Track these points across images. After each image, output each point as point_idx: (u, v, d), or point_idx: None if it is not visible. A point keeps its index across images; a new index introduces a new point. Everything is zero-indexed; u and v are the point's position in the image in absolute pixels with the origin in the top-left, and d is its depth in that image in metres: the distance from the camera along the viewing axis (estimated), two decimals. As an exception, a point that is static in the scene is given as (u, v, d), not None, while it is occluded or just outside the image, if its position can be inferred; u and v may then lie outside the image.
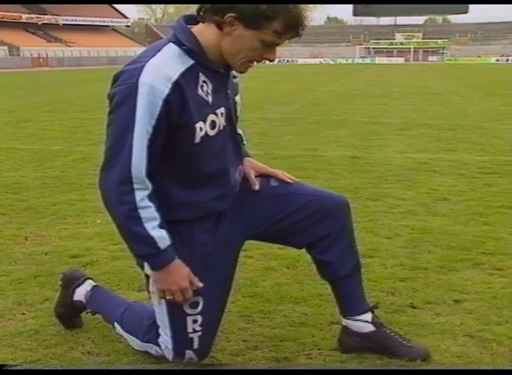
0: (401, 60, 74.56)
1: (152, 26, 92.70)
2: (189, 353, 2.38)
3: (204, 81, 2.18)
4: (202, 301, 2.35)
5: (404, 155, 7.38)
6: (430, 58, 76.78)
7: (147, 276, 2.38)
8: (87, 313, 2.78)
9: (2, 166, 6.83)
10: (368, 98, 16.07)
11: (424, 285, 3.27)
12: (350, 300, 2.55)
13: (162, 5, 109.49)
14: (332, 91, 19.24)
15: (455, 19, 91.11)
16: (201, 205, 2.31)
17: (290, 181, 2.50)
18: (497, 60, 71.16)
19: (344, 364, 2.46)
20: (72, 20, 73.11)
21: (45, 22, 71.41)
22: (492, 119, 10.91)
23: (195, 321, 2.36)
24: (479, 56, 74.00)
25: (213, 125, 2.22)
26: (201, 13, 2.15)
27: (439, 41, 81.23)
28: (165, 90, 2.07)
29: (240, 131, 2.51)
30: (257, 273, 3.42)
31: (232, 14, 2.07)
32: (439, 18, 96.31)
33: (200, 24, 2.17)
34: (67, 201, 5.14)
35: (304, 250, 2.61)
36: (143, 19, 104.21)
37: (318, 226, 2.44)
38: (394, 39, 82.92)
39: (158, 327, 2.42)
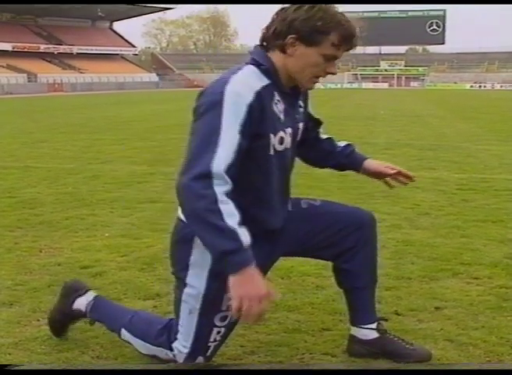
0: (386, 85, 74.78)
1: (158, 54, 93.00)
2: (200, 359, 2.35)
3: (278, 100, 2.20)
4: (230, 316, 2.30)
5: (389, 172, 7.36)
6: (412, 83, 77.05)
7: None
8: (86, 322, 2.72)
9: (20, 183, 6.81)
10: (355, 120, 16.10)
11: (408, 294, 3.25)
12: (360, 310, 2.53)
13: (167, 36, 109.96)
14: (323, 114, 19.02)
15: (433, 49, 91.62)
16: (261, 222, 2.28)
17: (412, 176, 2.59)
18: (471, 86, 71.61)
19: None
20: (85, 49, 73.32)
21: (61, 51, 71.56)
22: (468, 140, 10.94)
23: (219, 332, 2.34)
24: (455, 82, 74.38)
25: (281, 141, 2.21)
26: (265, 42, 2.19)
27: (420, 68, 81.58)
28: (249, 97, 2.07)
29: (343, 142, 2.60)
30: (253, 282, 3.39)
31: (293, 35, 2.11)
32: (419, 48, 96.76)
33: (268, 53, 2.20)
34: (78, 216, 5.12)
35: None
36: (149, 47, 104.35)
37: (345, 240, 2.43)
38: (379, 66, 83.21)
39: (170, 332, 2.37)
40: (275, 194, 2.29)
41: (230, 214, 1.97)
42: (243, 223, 2.01)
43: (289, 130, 2.24)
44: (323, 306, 3.07)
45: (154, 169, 7.58)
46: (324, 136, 2.61)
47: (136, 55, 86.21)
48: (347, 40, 2.13)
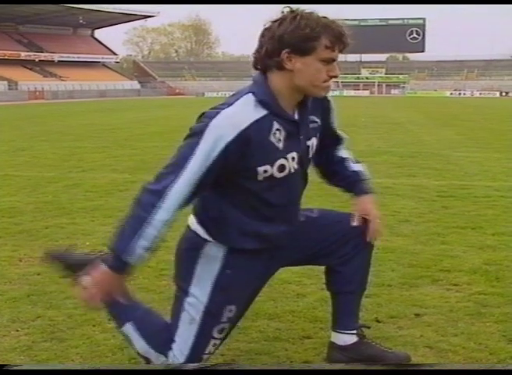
0: (367, 93, 75.29)
1: (139, 62, 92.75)
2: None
3: (278, 129, 2.18)
4: (228, 328, 2.34)
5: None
6: (392, 91, 77.64)
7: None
8: None
9: (-1, 191, 6.75)
10: (336, 128, 16.12)
11: (388, 301, 3.27)
12: (344, 315, 2.54)
13: (149, 43, 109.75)
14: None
15: (413, 57, 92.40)
16: (267, 237, 2.31)
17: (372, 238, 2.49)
18: (451, 94, 72.33)
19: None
20: (66, 57, 72.92)
21: (42, 59, 71.09)
22: (448, 147, 11.04)
23: (215, 344, 2.33)
24: (435, 90, 75.08)
25: (282, 168, 2.21)
26: (259, 66, 2.18)
27: (400, 76, 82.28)
28: (230, 137, 2.08)
29: (357, 167, 2.59)
30: (234, 290, 3.38)
31: (286, 50, 2.10)
32: (400, 56, 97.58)
33: (267, 74, 2.17)
34: (58, 225, 5.08)
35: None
36: (131, 55, 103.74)
37: (344, 247, 2.46)
38: (360, 74, 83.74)
39: (171, 341, 2.31)
40: (281, 212, 2.31)
41: (146, 238, 2.10)
42: (246, 236, 2.25)
43: (292, 154, 2.23)
44: (304, 314, 3.07)
45: (135, 178, 7.54)
46: (341, 155, 2.59)
47: (117, 62, 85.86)
48: (338, 39, 2.15)
